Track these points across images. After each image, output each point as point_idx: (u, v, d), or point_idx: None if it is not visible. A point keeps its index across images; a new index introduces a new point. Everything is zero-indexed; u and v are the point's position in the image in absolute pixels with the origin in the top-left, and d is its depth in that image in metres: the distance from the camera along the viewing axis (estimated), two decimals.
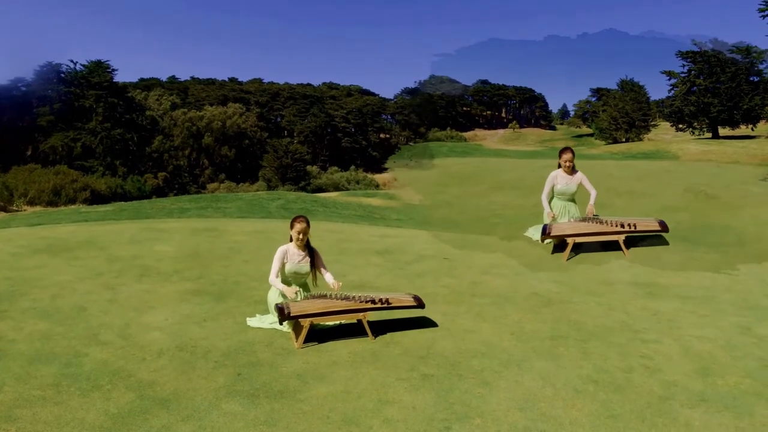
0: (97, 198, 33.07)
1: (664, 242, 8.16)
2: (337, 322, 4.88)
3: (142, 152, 46.13)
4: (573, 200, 8.29)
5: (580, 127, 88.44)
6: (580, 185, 8.13)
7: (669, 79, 54.81)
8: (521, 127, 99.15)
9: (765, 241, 8.35)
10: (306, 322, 4.58)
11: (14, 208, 29.11)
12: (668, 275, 6.56)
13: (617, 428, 3.32)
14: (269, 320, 5.03)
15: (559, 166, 8.20)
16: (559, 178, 8.13)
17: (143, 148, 46.29)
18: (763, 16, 38.16)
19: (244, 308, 5.46)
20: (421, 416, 3.47)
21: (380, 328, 4.93)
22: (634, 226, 7.82)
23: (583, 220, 7.99)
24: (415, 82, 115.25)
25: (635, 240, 8.09)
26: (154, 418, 3.43)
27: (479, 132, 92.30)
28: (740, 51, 49.50)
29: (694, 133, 52.90)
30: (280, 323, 4.82)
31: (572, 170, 8.14)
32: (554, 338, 4.69)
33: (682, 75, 53.02)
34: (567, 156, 8.07)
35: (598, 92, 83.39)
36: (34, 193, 31.25)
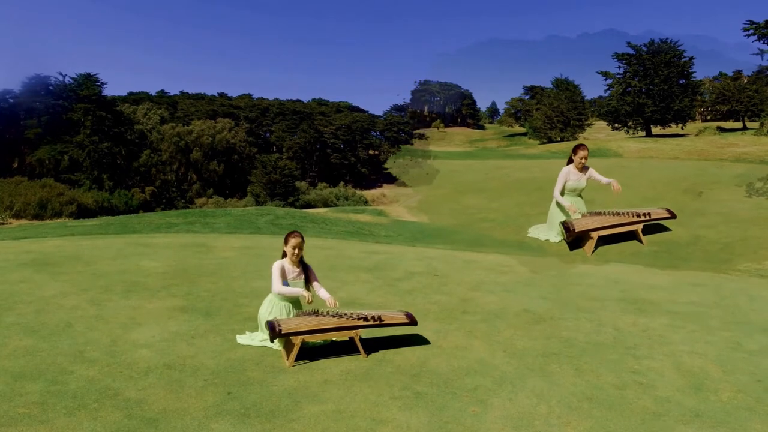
0: (83, 212, 32.82)
1: (650, 256, 8.22)
2: (329, 339, 4.84)
3: (129, 166, 45.81)
4: (581, 195, 8.56)
5: (512, 126, 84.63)
6: (590, 179, 8.34)
7: (605, 80, 56.40)
8: (446, 126, 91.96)
9: (750, 255, 8.45)
10: (297, 340, 4.53)
11: None
12: (656, 291, 6.60)
13: None
14: (259, 337, 4.97)
15: (570, 162, 8.36)
16: (571, 175, 8.32)
17: (131, 162, 45.98)
18: (748, 35, 39.09)
19: (233, 325, 5.39)
20: None
21: (372, 345, 4.89)
22: (649, 215, 8.25)
23: (598, 213, 8.28)
24: (415, 82, 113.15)
25: (622, 255, 8.15)
26: None
27: None
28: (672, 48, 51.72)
29: (628, 131, 54.70)
30: (271, 341, 4.76)
31: (584, 167, 8.33)
32: (546, 355, 4.68)
33: (618, 76, 54.85)
34: (583, 153, 8.28)
35: (531, 90, 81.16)
36: (19, 206, 30.89)
